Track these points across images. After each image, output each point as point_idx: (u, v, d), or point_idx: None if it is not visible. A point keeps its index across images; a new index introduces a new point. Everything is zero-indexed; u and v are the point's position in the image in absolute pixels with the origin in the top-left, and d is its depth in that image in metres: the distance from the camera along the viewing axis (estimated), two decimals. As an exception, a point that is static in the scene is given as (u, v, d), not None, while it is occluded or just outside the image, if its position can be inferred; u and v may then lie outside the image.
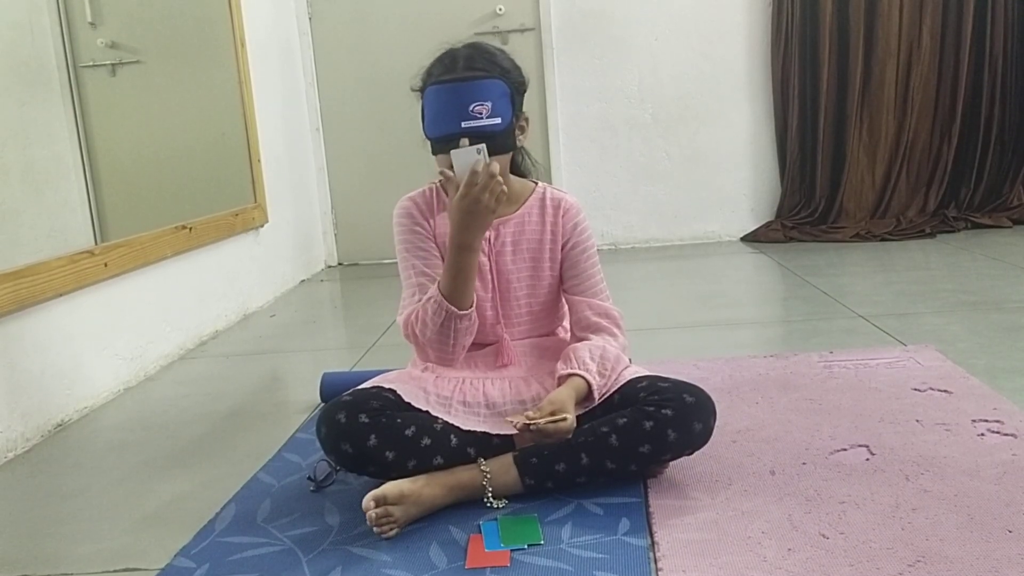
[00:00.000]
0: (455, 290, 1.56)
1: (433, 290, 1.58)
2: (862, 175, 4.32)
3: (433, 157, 1.61)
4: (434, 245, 1.68)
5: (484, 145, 1.51)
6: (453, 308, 1.56)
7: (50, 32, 2.36)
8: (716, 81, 4.37)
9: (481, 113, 1.54)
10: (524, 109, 1.66)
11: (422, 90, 1.61)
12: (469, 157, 1.50)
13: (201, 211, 3.07)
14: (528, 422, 1.44)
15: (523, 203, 1.71)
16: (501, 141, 1.58)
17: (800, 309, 2.95)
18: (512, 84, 1.60)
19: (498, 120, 1.56)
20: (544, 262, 1.70)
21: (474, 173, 1.49)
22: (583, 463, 1.51)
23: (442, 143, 1.56)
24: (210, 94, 3.32)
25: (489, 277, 1.68)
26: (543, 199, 1.71)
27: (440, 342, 1.59)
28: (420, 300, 1.62)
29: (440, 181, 1.73)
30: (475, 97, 1.54)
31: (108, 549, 1.51)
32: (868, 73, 4.24)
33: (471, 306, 1.58)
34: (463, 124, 1.53)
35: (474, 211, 1.51)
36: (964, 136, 4.28)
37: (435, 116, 1.57)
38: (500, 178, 1.51)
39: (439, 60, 1.60)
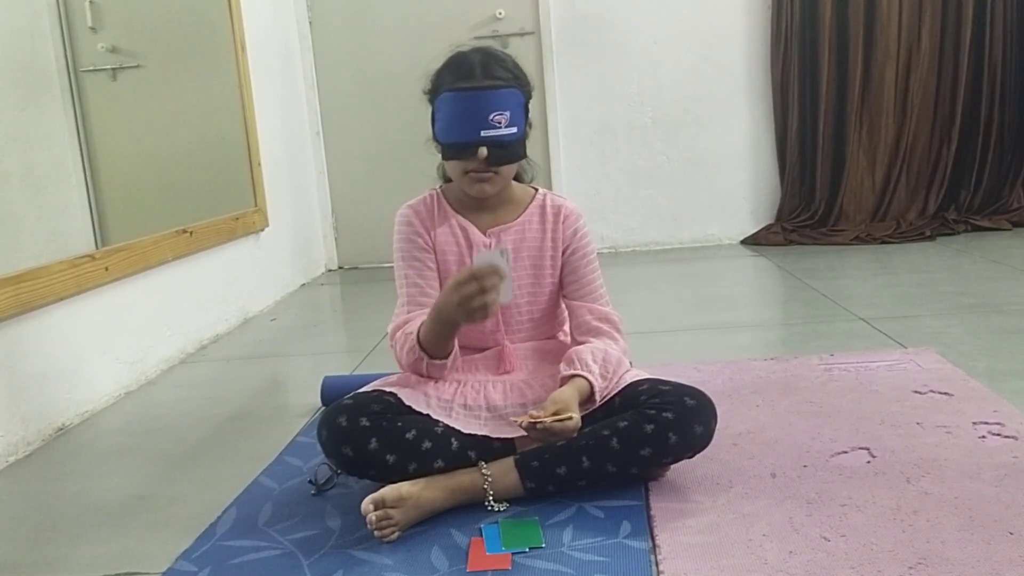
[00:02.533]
0: (433, 345, 1.58)
1: (414, 328, 1.58)
2: (862, 178, 4.33)
3: (429, 160, 1.62)
4: (431, 255, 1.68)
5: (511, 249, 1.51)
6: (426, 355, 1.58)
7: (50, 36, 2.37)
8: (716, 84, 4.37)
9: (500, 123, 1.55)
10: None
11: (433, 94, 1.61)
12: (492, 259, 1.47)
13: (201, 215, 3.07)
14: (533, 420, 1.44)
15: (524, 210, 1.71)
16: (515, 150, 1.59)
17: (800, 312, 2.95)
18: (525, 94, 1.61)
19: (515, 129, 1.57)
20: (545, 269, 1.70)
21: (471, 280, 1.42)
22: (584, 466, 1.51)
23: (458, 150, 1.57)
24: (210, 98, 3.33)
25: (490, 284, 1.68)
26: (543, 206, 1.72)
27: (415, 371, 1.63)
28: (409, 312, 1.64)
29: (441, 188, 1.73)
30: (495, 106, 1.54)
31: (109, 553, 1.51)
32: (868, 76, 4.25)
33: (447, 356, 1.60)
34: (482, 133, 1.54)
35: (465, 309, 1.45)
36: (964, 138, 4.28)
37: (452, 123, 1.56)
38: (492, 298, 1.44)
39: (453, 65, 1.59)
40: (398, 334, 1.64)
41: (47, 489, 1.84)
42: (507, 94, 1.56)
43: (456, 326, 1.55)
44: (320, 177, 4.47)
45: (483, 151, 1.54)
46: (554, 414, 1.45)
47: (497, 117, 1.54)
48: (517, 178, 1.74)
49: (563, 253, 1.70)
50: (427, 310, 1.64)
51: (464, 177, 1.61)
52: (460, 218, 1.69)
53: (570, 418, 1.45)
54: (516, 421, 1.47)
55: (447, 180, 1.74)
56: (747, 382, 2.14)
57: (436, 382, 1.64)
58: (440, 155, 1.65)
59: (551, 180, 4.39)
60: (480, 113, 1.54)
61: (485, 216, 1.69)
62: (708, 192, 4.45)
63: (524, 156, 1.65)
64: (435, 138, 1.62)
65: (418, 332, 1.58)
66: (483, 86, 1.54)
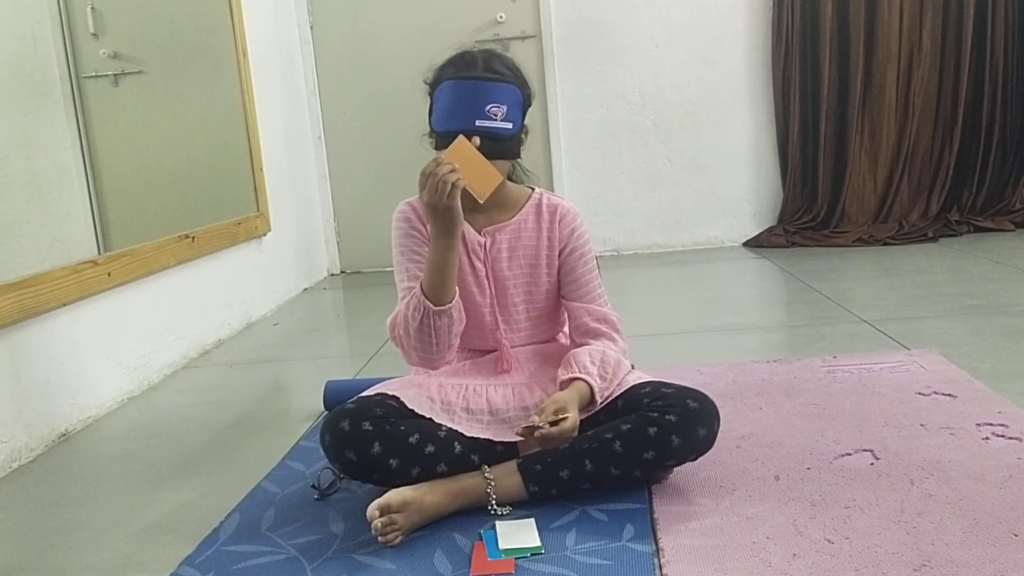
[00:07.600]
0: (433, 284, 1.55)
1: (416, 288, 1.58)
2: (864, 180, 4.32)
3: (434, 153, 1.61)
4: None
5: (477, 139, 1.50)
6: (430, 304, 1.54)
7: (53, 43, 2.37)
8: (717, 87, 4.37)
9: (496, 115, 1.55)
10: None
11: (433, 85, 1.62)
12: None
13: (204, 220, 3.08)
14: (531, 426, 1.44)
15: (519, 209, 1.71)
16: (508, 147, 1.59)
17: (803, 314, 2.95)
18: (524, 95, 1.61)
19: (509, 125, 1.57)
20: (541, 268, 1.70)
21: (425, 175, 1.49)
22: (587, 469, 1.51)
23: (452, 138, 1.55)
24: (212, 103, 3.33)
25: (486, 283, 1.68)
26: (539, 205, 1.72)
27: (421, 340, 1.57)
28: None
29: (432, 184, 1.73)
30: (492, 98, 1.55)
31: (112, 558, 1.51)
32: (869, 78, 4.25)
33: (450, 301, 1.56)
34: (477, 123, 1.54)
35: (435, 208, 1.50)
36: (966, 140, 4.28)
37: (449, 111, 1.56)
38: (447, 169, 1.47)
39: (458, 58, 1.60)
40: (399, 313, 1.61)
41: (50, 495, 1.84)
42: (506, 89, 1.56)
43: (451, 250, 1.53)
44: (322, 181, 4.48)
45: (476, 140, 1.53)
46: (554, 414, 1.46)
47: (494, 109, 1.55)
48: (512, 179, 1.73)
49: (560, 253, 1.70)
50: None
51: None
52: None
53: (565, 419, 1.45)
54: (514, 430, 1.47)
55: None
56: (750, 384, 2.14)
57: (439, 385, 1.64)
58: (435, 149, 1.63)
59: (553, 183, 4.38)
60: (477, 103, 1.54)
61: (480, 216, 1.69)
62: (710, 194, 4.45)
63: (517, 156, 1.65)
64: (431, 129, 1.62)
65: (420, 284, 1.57)
66: (483, 77, 1.55)
